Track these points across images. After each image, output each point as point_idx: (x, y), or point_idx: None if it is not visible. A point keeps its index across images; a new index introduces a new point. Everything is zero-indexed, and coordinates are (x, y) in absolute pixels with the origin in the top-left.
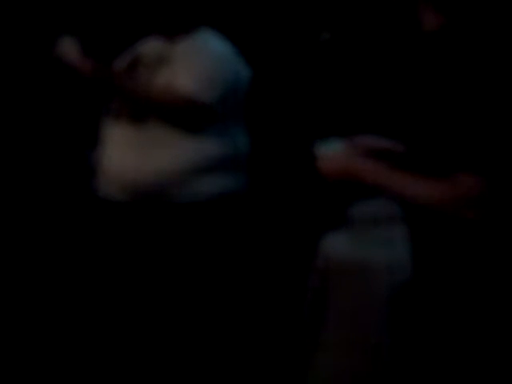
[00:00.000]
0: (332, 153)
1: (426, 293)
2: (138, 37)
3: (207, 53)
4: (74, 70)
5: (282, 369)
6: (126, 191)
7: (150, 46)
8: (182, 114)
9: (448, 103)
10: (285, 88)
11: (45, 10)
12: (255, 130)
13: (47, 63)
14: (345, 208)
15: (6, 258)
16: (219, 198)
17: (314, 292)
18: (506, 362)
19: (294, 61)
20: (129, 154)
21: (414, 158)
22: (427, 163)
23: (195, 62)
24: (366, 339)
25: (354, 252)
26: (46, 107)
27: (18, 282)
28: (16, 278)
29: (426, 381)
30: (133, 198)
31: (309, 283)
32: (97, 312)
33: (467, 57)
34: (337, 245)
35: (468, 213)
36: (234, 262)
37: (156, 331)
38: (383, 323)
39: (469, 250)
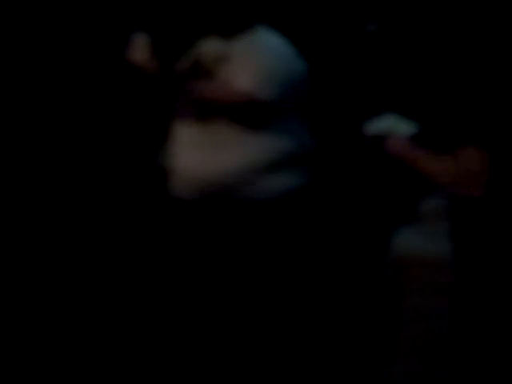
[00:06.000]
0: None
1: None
2: (197, 37)
3: (264, 50)
4: (142, 71)
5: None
6: (195, 190)
7: (209, 46)
8: (244, 112)
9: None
10: (338, 81)
11: (112, 11)
12: (318, 125)
13: (116, 63)
14: (415, 203)
15: (63, 258)
16: (284, 195)
17: (388, 288)
18: None
19: (343, 53)
20: (196, 154)
21: (430, 135)
22: (440, 140)
23: (254, 60)
24: (441, 335)
25: (428, 246)
26: (115, 108)
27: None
28: (72, 272)
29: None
30: (202, 197)
31: (383, 279)
32: (161, 308)
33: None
34: (409, 240)
35: (471, 188)
36: (304, 258)
37: (214, 324)
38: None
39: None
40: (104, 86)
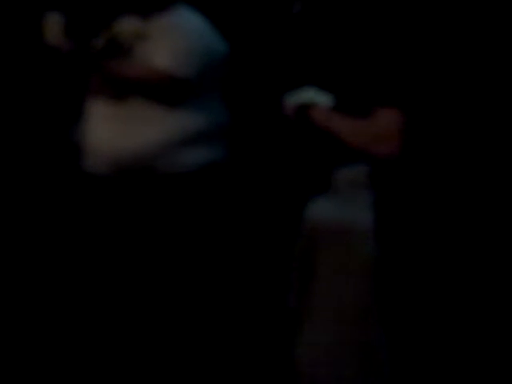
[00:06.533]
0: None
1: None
2: (114, 15)
3: (183, 29)
4: (56, 49)
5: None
6: (110, 166)
7: (127, 24)
8: (161, 90)
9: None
10: (260, 60)
11: None
12: (234, 101)
13: (30, 42)
14: (329, 173)
15: None
16: (201, 168)
17: (301, 258)
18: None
19: (267, 33)
20: (111, 130)
21: (347, 100)
22: (357, 104)
23: (172, 39)
24: (354, 303)
25: (340, 216)
26: (29, 87)
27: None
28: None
29: (415, 342)
30: (117, 172)
31: (295, 249)
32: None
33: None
34: (322, 210)
35: (385, 148)
36: (220, 231)
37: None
38: (370, 285)
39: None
40: (18, 64)
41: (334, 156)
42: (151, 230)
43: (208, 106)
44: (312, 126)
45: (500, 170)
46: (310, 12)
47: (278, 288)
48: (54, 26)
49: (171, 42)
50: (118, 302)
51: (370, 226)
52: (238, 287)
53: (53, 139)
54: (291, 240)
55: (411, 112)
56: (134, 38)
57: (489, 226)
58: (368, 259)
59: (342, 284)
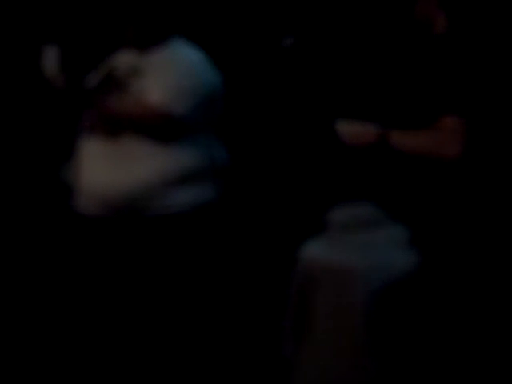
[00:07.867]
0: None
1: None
2: (110, 49)
3: (179, 64)
4: (50, 84)
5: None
6: (101, 206)
7: (123, 59)
8: (155, 127)
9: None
10: (254, 95)
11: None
12: (230, 139)
13: (23, 76)
14: (323, 213)
15: None
16: (196, 208)
17: (294, 300)
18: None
19: (259, 67)
20: (103, 168)
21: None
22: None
23: (167, 74)
24: (348, 343)
25: (332, 257)
26: (20, 122)
27: None
28: None
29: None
30: (109, 213)
31: (289, 291)
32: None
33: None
34: (315, 251)
35: (451, 150)
36: (212, 274)
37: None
38: (363, 327)
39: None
40: (10, 98)
41: (327, 197)
42: (143, 273)
43: (203, 144)
44: (391, 150)
45: None
46: (304, 45)
47: (272, 333)
48: (50, 61)
49: (166, 78)
50: (106, 349)
51: (360, 268)
52: (231, 329)
53: (43, 178)
54: (285, 281)
55: (472, 118)
56: (130, 73)
57: None
58: (358, 300)
59: (335, 323)
